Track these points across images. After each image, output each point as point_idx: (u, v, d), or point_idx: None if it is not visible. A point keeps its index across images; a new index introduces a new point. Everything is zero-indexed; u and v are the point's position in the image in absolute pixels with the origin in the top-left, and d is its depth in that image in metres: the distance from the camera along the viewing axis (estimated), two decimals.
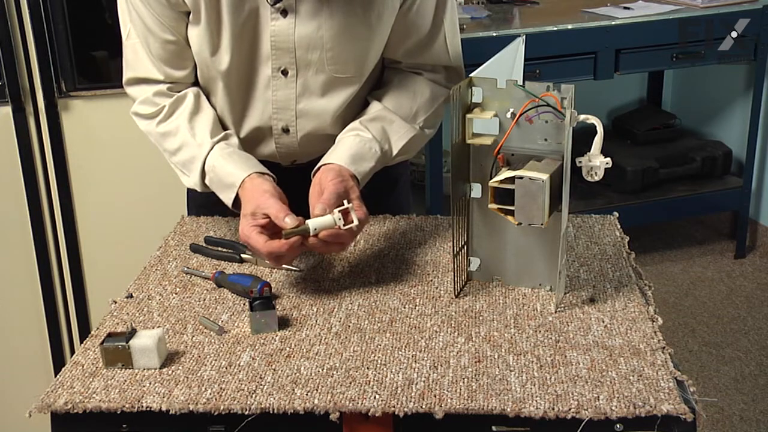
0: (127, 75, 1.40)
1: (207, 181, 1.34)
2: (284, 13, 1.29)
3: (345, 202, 1.21)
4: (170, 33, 1.33)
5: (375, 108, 1.39)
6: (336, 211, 1.19)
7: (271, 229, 1.21)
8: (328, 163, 1.29)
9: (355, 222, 1.19)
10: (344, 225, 1.19)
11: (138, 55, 1.37)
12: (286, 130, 1.40)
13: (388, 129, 1.37)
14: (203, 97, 1.39)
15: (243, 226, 1.22)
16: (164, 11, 1.31)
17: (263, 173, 1.30)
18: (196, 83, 1.41)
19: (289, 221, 1.19)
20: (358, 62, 1.35)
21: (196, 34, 1.32)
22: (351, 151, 1.31)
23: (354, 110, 1.41)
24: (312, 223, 1.19)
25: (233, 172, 1.30)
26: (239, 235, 1.23)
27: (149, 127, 1.39)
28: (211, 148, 1.33)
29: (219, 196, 1.33)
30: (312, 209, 1.22)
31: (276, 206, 1.21)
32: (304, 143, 1.41)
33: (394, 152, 1.38)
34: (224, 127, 1.41)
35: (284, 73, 1.34)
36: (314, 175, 1.29)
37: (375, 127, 1.36)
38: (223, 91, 1.37)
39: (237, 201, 1.30)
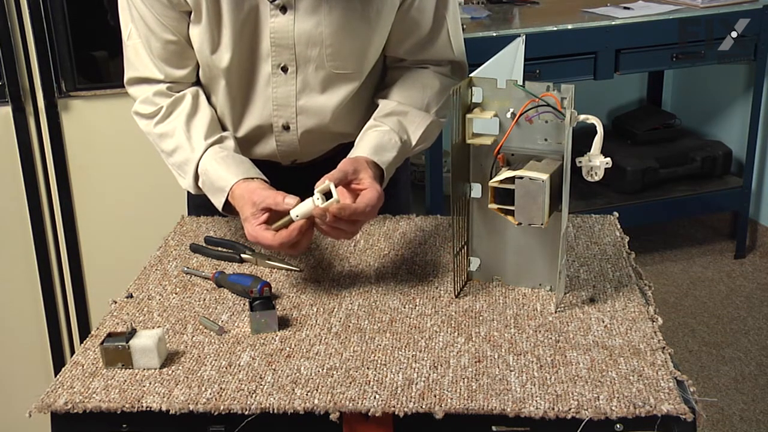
0: (128, 75, 1.40)
1: (200, 184, 1.34)
2: (283, 9, 1.30)
3: (328, 182, 1.16)
4: (171, 33, 1.33)
5: (388, 105, 1.39)
6: (316, 191, 1.17)
7: (276, 221, 1.21)
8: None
9: (335, 197, 1.15)
10: (323, 203, 1.16)
11: (139, 55, 1.37)
12: (286, 127, 1.40)
13: (403, 120, 1.37)
14: (202, 98, 1.39)
15: (248, 229, 1.22)
16: (165, 11, 1.31)
17: (252, 178, 1.30)
18: (196, 83, 1.41)
19: (290, 201, 1.19)
20: (358, 58, 1.36)
21: (198, 33, 1.32)
22: (372, 143, 1.31)
23: (355, 108, 1.42)
24: (293, 211, 1.18)
25: (224, 176, 1.30)
26: (248, 238, 1.22)
27: (148, 128, 1.39)
28: (205, 151, 1.33)
29: (211, 200, 1.33)
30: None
31: (271, 194, 1.21)
32: (304, 141, 1.42)
33: (414, 141, 1.38)
34: (224, 128, 1.41)
35: (284, 69, 1.35)
36: None
37: (391, 120, 1.36)
38: (224, 89, 1.37)
39: (227, 206, 1.30)
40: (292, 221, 1.18)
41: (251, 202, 1.23)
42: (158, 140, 1.38)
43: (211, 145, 1.34)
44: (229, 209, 1.30)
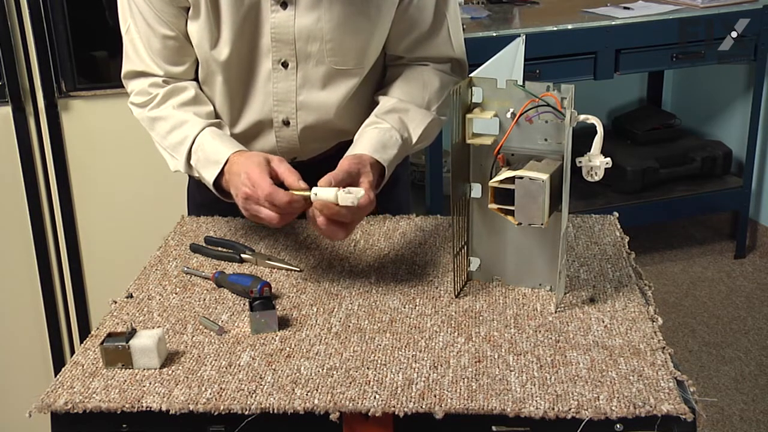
0: (125, 68, 1.41)
1: (193, 162, 1.33)
2: (284, 5, 1.30)
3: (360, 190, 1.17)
4: (169, 28, 1.34)
5: (388, 102, 1.39)
6: (341, 188, 1.16)
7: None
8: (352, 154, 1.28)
9: (352, 202, 1.15)
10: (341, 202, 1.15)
11: (137, 50, 1.38)
12: (286, 123, 1.40)
13: (404, 118, 1.37)
14: (201, 92, 1.40)
15: (248, 165, 1.19)
16: (164, 7, 1.32)
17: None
18: (194, 80, 1.41)
19: (302, 183, 1.18)
20: (359, 54, 1.36)
21: (196, 29, 1.33)
22: (373, 141, 1.31)
23: (356, 105, 1.42)
24: (315, 190, 1.16)
25: (221, 149, 1.29)
26: (246, 182, 1.19)
27: (141, 114, 1.39)
28: (202, 129, 1.33)
29: (202, 176, 1.31)
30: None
31: (291, 171, 1.20)
32: (304, 137, 1.42)
33: (414, 139, 1.38)
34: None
35: (284, 65, 1.35)
36: None
37: (392, 117, 1.36)
38: (222, 84, 1.38)
39: (217, 184, 1.28)
40: (309, 198, 1.17)
41: (267, 157, 1.21)
42: (152, 123, 1.38)
43: (209, 125, 1.34)
44: (220, 189, 1.29)
